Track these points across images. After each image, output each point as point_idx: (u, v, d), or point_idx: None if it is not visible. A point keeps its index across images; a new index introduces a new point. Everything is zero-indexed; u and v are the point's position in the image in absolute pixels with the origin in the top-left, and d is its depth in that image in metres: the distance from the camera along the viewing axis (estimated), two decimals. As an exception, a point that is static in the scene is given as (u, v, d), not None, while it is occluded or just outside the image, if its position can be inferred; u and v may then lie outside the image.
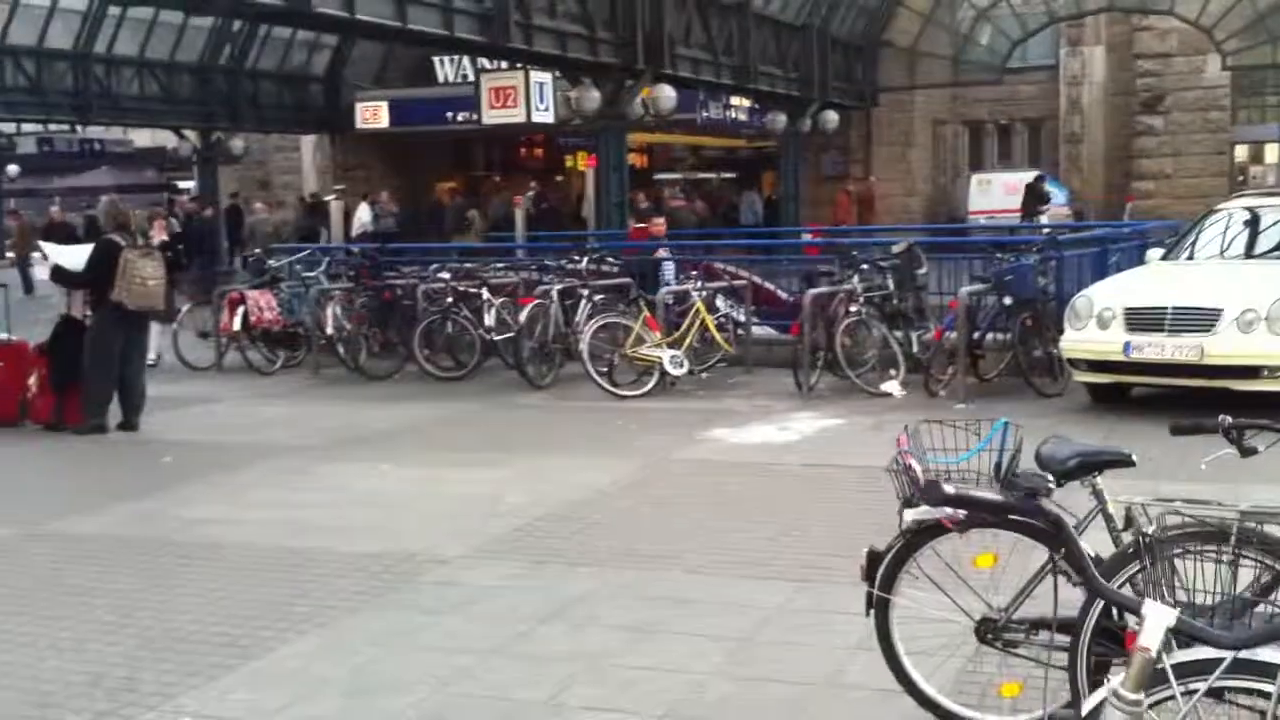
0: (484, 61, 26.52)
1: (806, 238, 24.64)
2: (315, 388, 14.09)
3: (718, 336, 13.44)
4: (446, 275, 14.91)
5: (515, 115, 19.26)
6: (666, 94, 21.36)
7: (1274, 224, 11.71)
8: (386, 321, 15.12)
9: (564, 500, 8.14)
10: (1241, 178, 33.48)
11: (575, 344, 13.20)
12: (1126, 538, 4.24)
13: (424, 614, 6.02)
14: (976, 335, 12.09)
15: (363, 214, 28.93)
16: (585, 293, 13.95)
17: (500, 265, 16.64)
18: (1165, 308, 10.36)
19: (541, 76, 19.48)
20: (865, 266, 13.05)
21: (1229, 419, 4.21)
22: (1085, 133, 35.28)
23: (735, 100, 28.21)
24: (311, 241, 25.41)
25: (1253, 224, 11.78)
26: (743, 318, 14.29)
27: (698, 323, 13.22)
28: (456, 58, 31.39)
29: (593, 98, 20.48)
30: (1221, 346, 9.97)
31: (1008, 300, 11.83)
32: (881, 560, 4.66)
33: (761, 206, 31.33)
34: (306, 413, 12.32)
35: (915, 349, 12.68)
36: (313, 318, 15.26)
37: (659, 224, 16.89)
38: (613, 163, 21.87)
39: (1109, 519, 4.38)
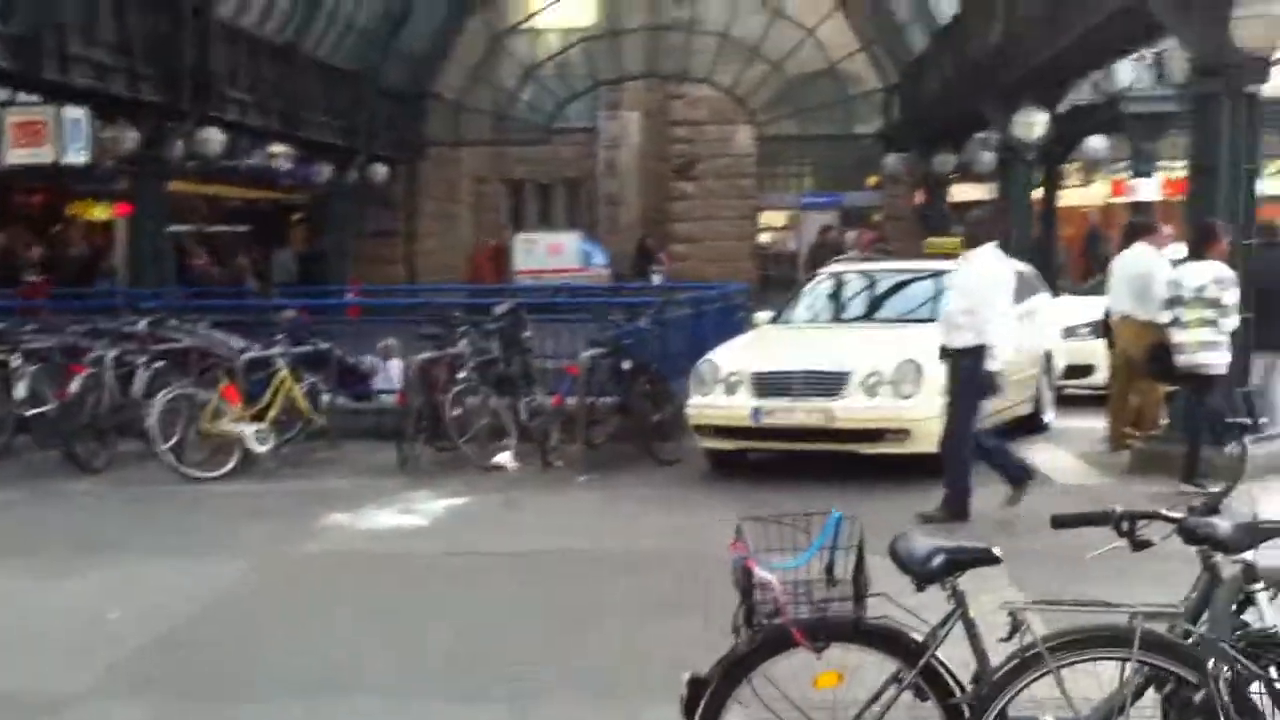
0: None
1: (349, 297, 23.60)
2: None
3: (305, 408, 12.10)
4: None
5: (43, 155, 16.92)
6: (215, 137, 19.64)
7: (870, 289, 11.95)
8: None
9: (182, 614, 6.72)
10: (764, 240, 35.39)
11: (140, 418, 11.49)
12: (1005, 647, 3.68)
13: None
14: (590, 401, 11.51)
15: None
16: (144, 360, 12.24)
17: (32, 327, 14.40)
18: (793, 372, 10.18)
19: (75, 113, 17.28)
20: (468, 329, 12.20)
21: (1119, 509, 3.77)
22: (623, 195, 36.17)
23: (278, 148, 26.57)
24: None
25: (853, 289, 11.96)
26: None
27: (283, 392, 11.84)
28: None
29: (130, 138, 18.48)
30: (849, 409, 9.88)
31: (626, 364, 11.33)
32: (706, 688, 3.83)
33: (295, 264, 29.52)
34: None
35: (524, 417, 11.96)
36: None
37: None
38: (150, 211, 19.86)
39: (970, 625, 3.77)
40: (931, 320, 11.14)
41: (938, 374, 10.02)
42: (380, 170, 27.84)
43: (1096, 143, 22.61)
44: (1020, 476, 8.97)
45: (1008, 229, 9.46)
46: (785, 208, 35.66)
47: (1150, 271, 11.06)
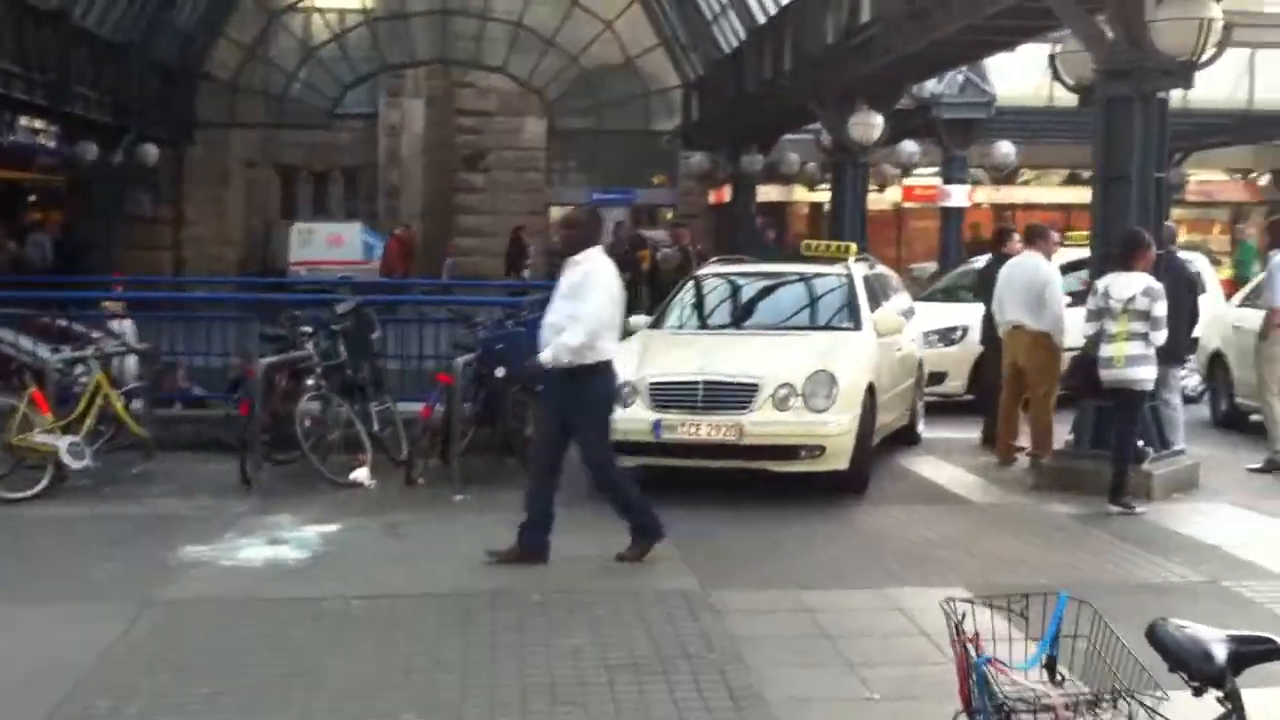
0: None
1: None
2: None
3: (127, 418, 10.63)
4: None
5: None
6: (-20, 110, 17.61)
7: (757, 292, 11.26)
8: None
9: (71, 677, 5.43)
10: (556, 239, 34.46)
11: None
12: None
13: None
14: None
15: None
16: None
17: None
18: (697, 382, 9.37)
19: None
20: (309, 330, 10.95)
21: None
22: (405, 185, 34.73)
23: (40, 124, 24.23)
24: None
25: (738, 293, 11.24)
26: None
27: (100, 399, 10.35)
28: None
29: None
30: (759, 424, 9.14)
31: (500, 372, 10.30)
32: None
33: (52, 250, 27.02)
34: None
35: (376, 427, 10.82)
36: None
37: None
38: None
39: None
40: (835, 327, 10.61)
41: (853, 385, 9.46)
42: (151, 151, 25.84)
43: (909, 147, 22.64)
44: (653, 532, 7.73)
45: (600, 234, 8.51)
46: (576, 203, 34.79)
47: (1048, 280, 10.75)
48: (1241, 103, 25.07)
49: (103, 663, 5.76)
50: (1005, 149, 22.99)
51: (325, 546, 8.10)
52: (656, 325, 10.96)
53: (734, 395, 9.26)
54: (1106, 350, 9.01)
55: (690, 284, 11.46)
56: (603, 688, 5.47)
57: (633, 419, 9.36)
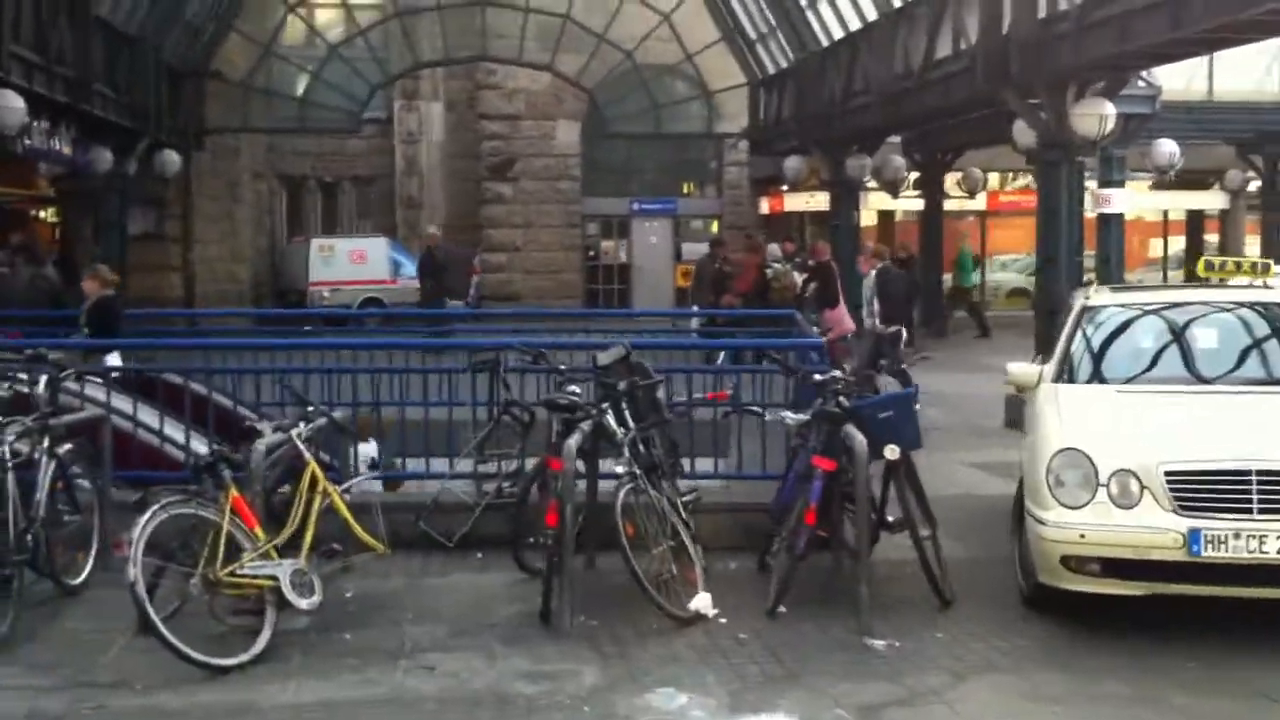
0: None
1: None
2: None
3: (357, 528, 7.38)
4: None
5: None
6: (13, 104, 14.28)
7: (1210, 332, 8.22)
8: None
9: None
10: (592, 253, 31.34)
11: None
12: None
13: None
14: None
15: None
16: (46, 443, 7.35)
17: None
18: (1248, 472, 6.36)
19: None
20: (577, 390, 7.90)
21: None
22: (425, 196, 31.46)
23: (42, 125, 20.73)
24: None
25: (1177, 333, 8.19)
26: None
27: (318, 500, 7.15)
28: None
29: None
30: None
31: (893, 453, 7.23)
32: None
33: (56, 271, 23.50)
34: None
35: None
36: None
37: None
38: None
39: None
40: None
41: None
42: (173, 160, 22.47)
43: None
44: None
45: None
46: (616, 215, 31.69)
47: None
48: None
49: None
50: (1169, 148, 20.26)
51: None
52: (1065, 377, 7.89)
53: (1306, 492, 6.29)
54: None
55: (1101, 321, 8.33)
56: None
57: (1147, 525, 6.39)
